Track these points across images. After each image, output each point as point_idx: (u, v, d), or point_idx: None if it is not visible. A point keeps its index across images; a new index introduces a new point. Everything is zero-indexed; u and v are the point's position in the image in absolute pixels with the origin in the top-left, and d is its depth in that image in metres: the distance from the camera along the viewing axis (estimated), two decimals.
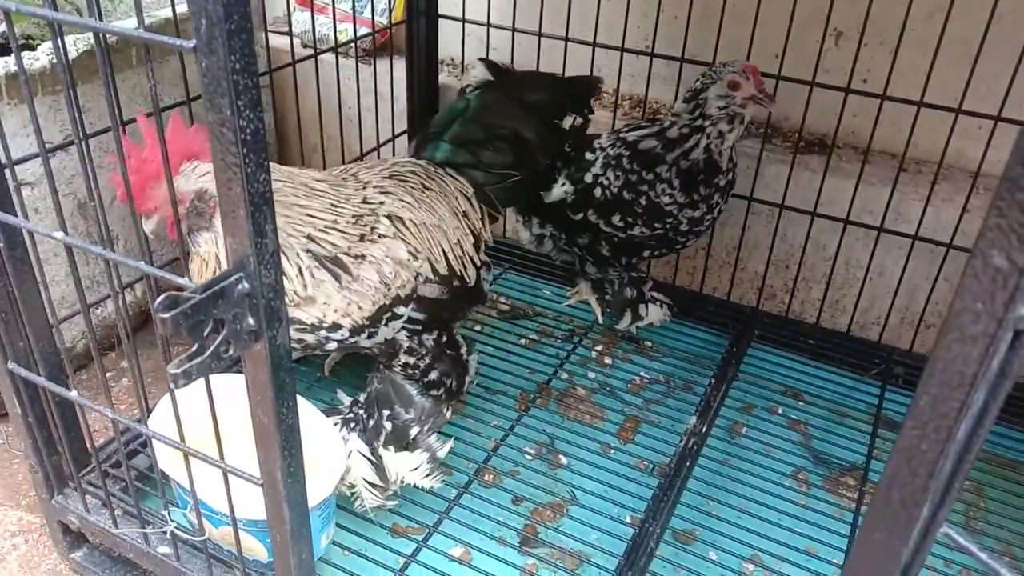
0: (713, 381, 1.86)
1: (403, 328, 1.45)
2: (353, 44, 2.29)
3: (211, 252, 1.28)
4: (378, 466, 1.49)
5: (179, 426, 1.03)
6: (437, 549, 1.47)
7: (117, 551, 1.45)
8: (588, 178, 1.90)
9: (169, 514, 1.24)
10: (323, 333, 1.34)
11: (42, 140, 0.96)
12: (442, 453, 1.55)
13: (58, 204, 0.99)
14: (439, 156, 1.64)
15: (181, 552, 1.28)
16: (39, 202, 1.75)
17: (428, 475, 1.51)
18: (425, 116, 2.21)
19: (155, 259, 1.33)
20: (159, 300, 0.72)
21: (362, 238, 1.36)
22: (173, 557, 1.28)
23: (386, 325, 1.41)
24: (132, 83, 1.92)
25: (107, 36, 1.36)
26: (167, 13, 2.01)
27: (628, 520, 1.57)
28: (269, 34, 2.37)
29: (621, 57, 1.97)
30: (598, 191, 1.89)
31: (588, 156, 1.90)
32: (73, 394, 1.18)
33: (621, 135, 1.91)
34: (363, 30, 2.29)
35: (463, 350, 1.61)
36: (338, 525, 1.46)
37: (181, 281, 0.82)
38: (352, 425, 1.53)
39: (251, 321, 0.80)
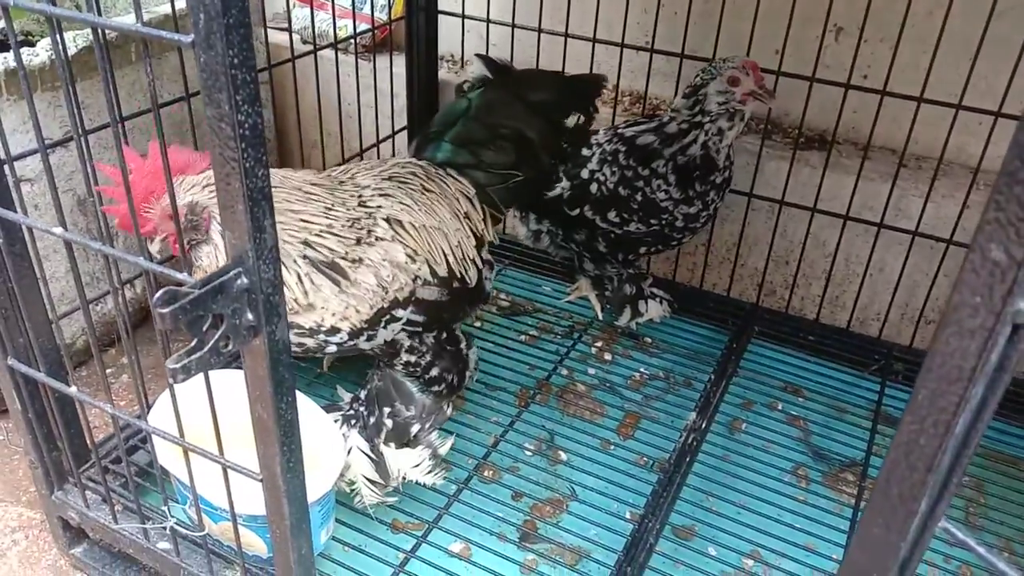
0: (713, 377, 1.86)
1: (403, 330, 1.45)
2: (353, 40, 2.28)
3: (213, 265, 1.27)
4: (378, 463, 1.49)
5: (179, 422, 1.03)
6: (437, 545, 1.47)
7: (117, 547, 1.45)
8: (584, 174, 1.90)
9: (169, 510, 1.24)
10: (322, 337, 1.34)
11: (41, 136, 0.95)
12: (443, 450, 1.55)
13: (57, 200, 0.99)
14: (440, 157, 1.62)
15: (181, 548, 1.28)
16: (39, 198, 1.75)
17: (429, 472, 1.51)
18: (425, 112, 2.21)
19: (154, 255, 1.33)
20: (158, 295, 0.72)
21: (359, 242, 1.35)
22: (173, 552, 1.28)
23: (385, 328, 1.40)
24: (131, 79, 1.92)
25: (106, 32, 1.36)
26: (166, 9, 2.00)
27: (628, 516, 1.57)
28: (268, 30, 2.37)
29: (621, 53, 1.97)
30: (594, 187, 1.89)
31: (585, 152, 1.90)
32: (73, 390, 1.18)
33: (618, 131, 1.91)
34: (363, 26, 2.29)
35: (463, 345, 1.61)
36: (338, 521, 1.46)
37: (180, 276, 0.82)
38: (352, 422, 1.53)
39: (250, 316, 0.80)
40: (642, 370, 1.98)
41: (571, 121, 1.71)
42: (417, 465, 1.51)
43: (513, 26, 2.05)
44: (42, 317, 1.21)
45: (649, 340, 2.08)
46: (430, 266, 1.44)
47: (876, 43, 1.93)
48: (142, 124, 1.91)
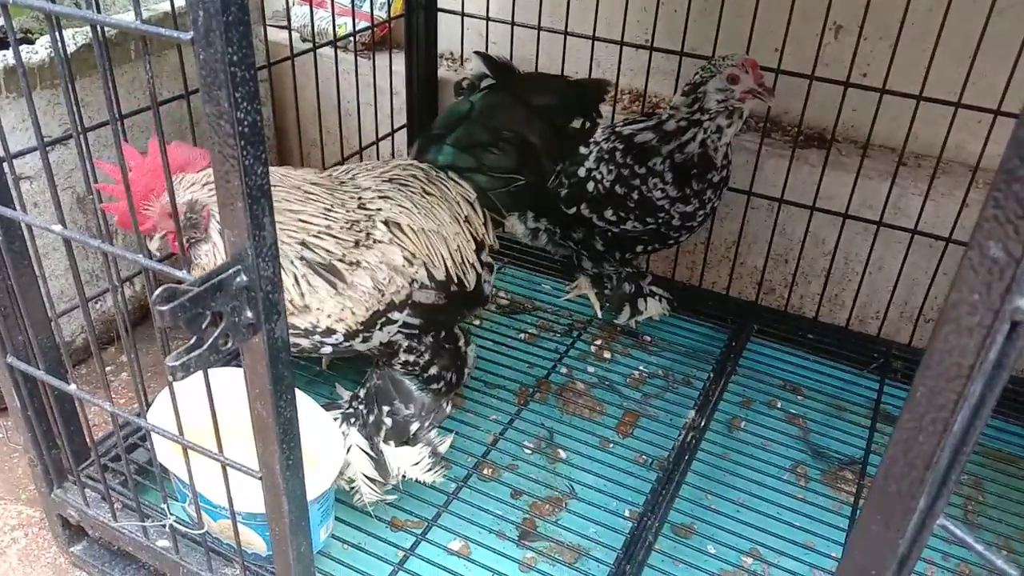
0: (712, 375, 1.86)
1: (399, 332, 1.44)
2: (352, 38, 2.28)
3: (211, 263, 1.27)
4: (377, 461, 1.49)
5: (178, 420, 1.03)
6: (436, 543, 1.47)
7: (116, 544, 1.45)
8: (581, 172, 1.90)
9: (168, 507, 1.24)
10: (317, 338, 1.34)
11: (40, 134, 0.95)
12: (443, 448, 1.55)
13: (56, 198, 0.99)
14: (442, 160, 1.61)
15: (180, 545, 1.28)
16: (38, 196, 1.75)
17: (429, 470, 1.51)
18: (424, 110, 2.21)
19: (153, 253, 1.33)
20: (157, 292, 0.72)
21: (357, 244, 1.34)
22: (172, 550, 1.28)
23: (380, 330, 1.39)
24: (131, 77, 1.92)
25: (105, 29, 1.36)
26: (165, 7, 2.00)
27: (627, 514, 1.57)
28: (268, 28, 2.36)
29: (620, 51, 1.97)
30: (591, 185, 1.89)
31: (582, 150, 1.90)
32: (72, 388, 1.18)
33: (616, 129, 1.91)
34: (362, 24, 2.29)
35: (461, 343, 1.61)
36: (337, 519, 1.46)
37: (180, 274, 0.82)
38: (351, 420, 1.53)
39: (249, 314, 0.80)
40: (641, 368, 1.98)
41: (575, 125, 1.70)
42: (417, 463, 1.51)
43: (513, 24, 2.05)
44: (41, 315, 1.21)
45: (648, 338, 2.08)
46: (428, 270, 1.43)
47: (876, 41, 1.93)
48: (141, 122, 1.91)
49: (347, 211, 1.37)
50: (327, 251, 1.31)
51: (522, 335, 2.07)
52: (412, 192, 1.49)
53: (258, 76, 0.72)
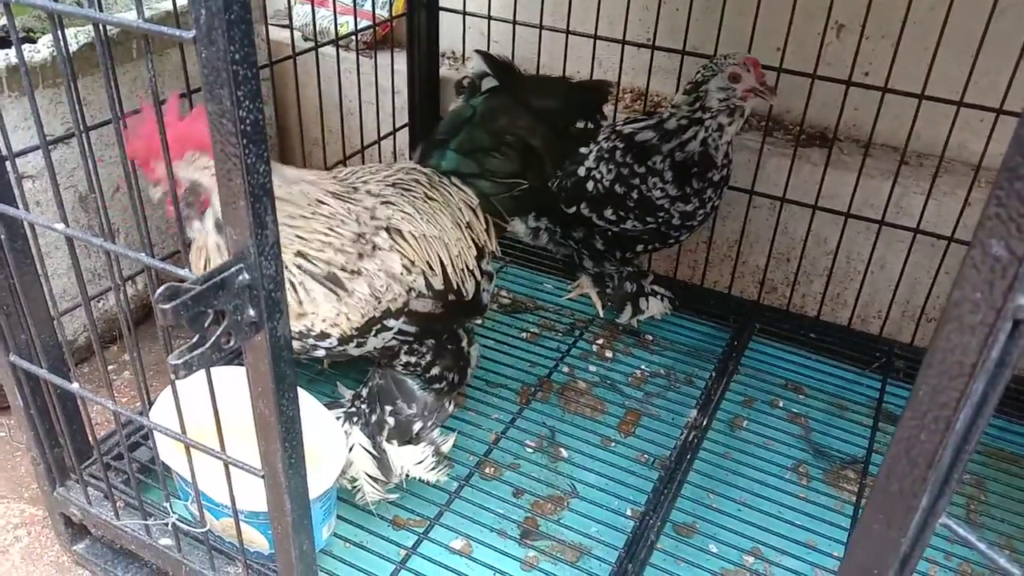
0: (714, 374, 1.86)
1: (394, 339, 1.43)
2: (354, 37, 2.28)
3: (203, 242, 1.27)
4: (380, 460, 1.49)
5: (180, 418, 1.03)
6: (438, 541, 1.47)
7: (119, 543, 1.45)
8: (581, 171, 1.90)
9: (171, 506, 1.24)
10: (310, 341, 1.33)
11: (43, 132, 0.96)
12: (446, 447, 1.55)
13: (59, 196, 0.99)
14: (445, 165, 1.59)
15: (183, 544, 1.28)
16: (40, 195, 1.76)
17: (433, 468, 1.51)
18: (426, 109, 2.21)
19: (156, 251, 1.33)
20: (159, 291, 0.72)
21: (361, 256, 1.33)
22: (175, 549, 1.28)
23: (375, 336, 1.38)
24: (133, 76, 1.92)
25: (107, 27, 1.36)
26: (167, 5, 2.00)
27: (629, 513, 1.57)
28: (270, 27, 2.36)
29: (622, 50, 1.97)
30: (590, 184, 1.89)
31: (582, 149, 1.90)
32: (75, 386, 1.18)
33: (616, 128, 1.91)
34: (364, 23, 2.29)
35: (464, 343, 1.60)
36: (339, 517, 1.46)
37: (182, 273, 0.82)
38: (354, 419, 1.53)
39: (252, 312, 0.80)
40: (643, 367, 1.98)
41: (579, 126, 1.69)
42: (420, 462, 1.51)
43: (514, 23, 2.05)
44: (44, 313, 1.21)
45: (650, 337, 2.08)
46: (426, 278, 1.42)
47: (878, 40, 1.93)
48: None
49: (360, 224, 1.35)
50: (326, 262, 1.29)
51: (524, 334, 2.07)
52: (415, 197, 1.47)
53: (260, 75, 0.72)
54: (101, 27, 0.82)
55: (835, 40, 1.99)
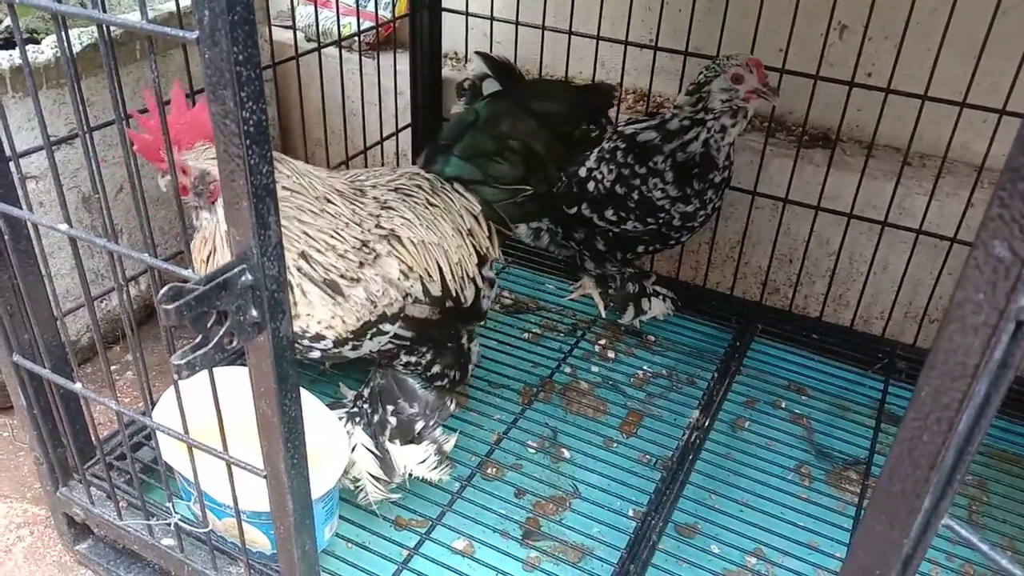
0: (716, 375, 1.86)
1: (390, 343, 1.43)
2: (356, 38, 2.28)
3: (211, 231, 1.27)
4: (382, 459, 1.49)
5: (183, 418, 1.04)
6: (440, 542, 1.47)
7: (121, 543, 1.45)
8: (582, 172, 1.90)
9: (173, 506, 1.24)
10: (305, 342, 1.33)
11: (46, 133, 0.96)
12: (448, 447, 1.55)
13: (62, 197, 0.99)
14: (448, 171, 1.58)
15: (185, 544, 1.29)
16: (44, 195, 1.76)
17: (435, 468, 1.51)
18: (428, 110, 2.21)
19: (159, 252, 1.33)
20: (163, 291, 0.72)
21: (362, 264, 1.32)
22: (177, 549, 1.28)
23: (371, 340, 1.38)
24: (136, 76, 1.92)
25: (111, 28, 1.36)
26: (170, 6, 2.01)
27: (631, 513, 1.57)
28: (273, 28, 2.36)
29: (625, 51, 1.97)
30: (591, 185, 1.89)
31: (583, 151, 1.90)
32: (78, 386, 1.18)
33: (618, 129, 1.91)
34: (366, 24, 2.29)
35: (464, 340, 1.60)
36: (341, 517, 1.47)
37: (185, 273, 0.82)
38: (356, 419, 1.53)
39: (254, 313, 0.80)
40: (645, 368, 1.98)
41: (584, 128, 1.67)
42: (422, 461, 1.51)
43: (517, 24, 2.05)
44: (47, 314, 1.22)
45: (652, 338, 2.08)
46: (423, 284, 1.41)
47: (880, 41, 1.93)
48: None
49: (364, 231, 1.35)
50: (327, 268, 1.29)
51: (526, 335, 2.07)
52: (416, 203, 1.47)
53: (263, 76, 0.72)
54: (105, 28, 0.82)
55: (838, 41, 1.99)
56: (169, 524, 1.26)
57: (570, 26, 1.99)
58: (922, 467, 0.55)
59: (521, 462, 1.69)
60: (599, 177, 1.88)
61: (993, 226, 0.46)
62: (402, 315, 1.40)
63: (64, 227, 0.96)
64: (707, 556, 1.50)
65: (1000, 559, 0.53)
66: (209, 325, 0.78)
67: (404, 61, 2.22)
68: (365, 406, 1.55)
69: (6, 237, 1.12)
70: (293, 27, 1.98)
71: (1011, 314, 0.47)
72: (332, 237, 1.30)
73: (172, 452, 1.26)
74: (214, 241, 1.27)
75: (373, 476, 1.48)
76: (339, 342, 1.34)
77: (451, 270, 1.47)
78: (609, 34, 1.97)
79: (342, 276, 1.30)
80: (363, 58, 2.20)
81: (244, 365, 0.88)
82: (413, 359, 1.51)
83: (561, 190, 1.93)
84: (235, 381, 1.13)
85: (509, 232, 1.64)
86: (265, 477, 0.96)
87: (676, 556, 1.47)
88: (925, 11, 1.76)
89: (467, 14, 2.13)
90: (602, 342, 2.06)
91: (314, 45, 1.96)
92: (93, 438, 1.36)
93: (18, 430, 1.79)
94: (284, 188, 1.26)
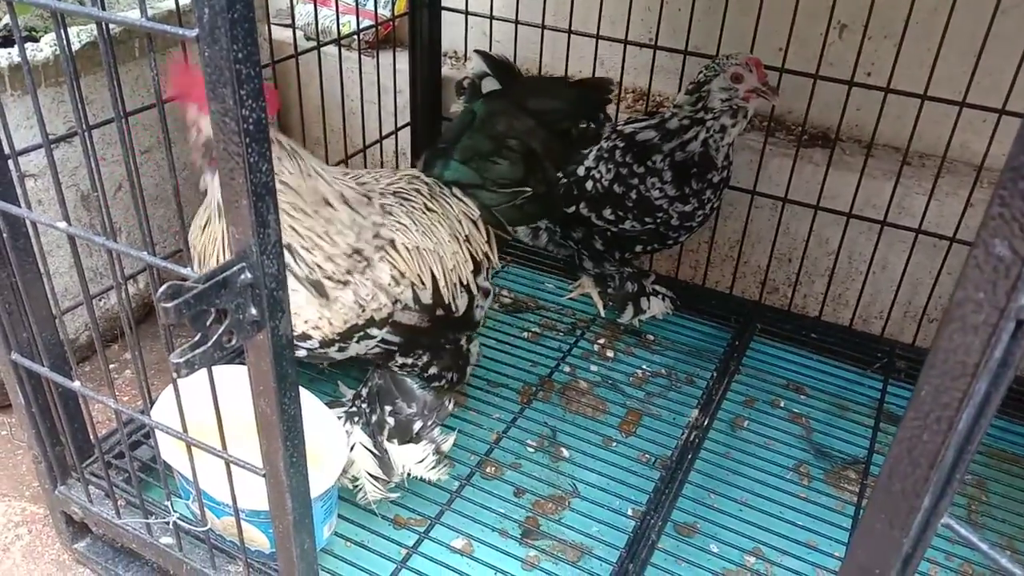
0: (715, 374, 1.86)
1: (377, 347, 1.42)
2: (356, 36, 2.28)
3: (210, 198, 1.27)
4: (381, 459, 1.49)
5: (182, 417, 1.04)
6: (439, 541, 1.47)
7: (120, 541, 1.45)
8: (580, 171, 1.90)
9: (172, 504, 1.24)
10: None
11: (45, 131, 0.96)
12: (446, 446, 1.55)
13: (61, 195, 0.99)
14: (448, 175, 1.56)
15: (183, 542, 1.28)
16: (42, 193, 1.76)
17: (434, 467, 1.51)
18: (428, 109, 2.21)
19: (158, 250, 1.33)
20: (162, 289, 0.72)
21: (349, 271, 1.31)
22: (176, 547, 1.28)
23: (358, 343, 1.37)
24: (135, 75, 1.92)
25: (110, 26, 1.36)
26: (170, 4, 2.01)
27: (630, 512, 1.57)
28: (272, 26, 2.36)
29: (624, 49, 1.97)
30: (589, 184, 1.89)
31: (582, 149, 1.90)
32: (76, 384, 1.18)
33: (617, 128, 1.90)
34: (366, 22, 2.29)
35: (463, 341, 1.60)
36: (340, 516, 1.46)
37: (184, 271, 0.82)
38: (355, 419, 1.53)
39: (254, 311, 0.80)
40: (644, 367, 1.98)
41: (583, 127, 1.66)
42: (421, 460, 1.51)
43: (516, 22, 2.05)
44: (46, 312, 1.22)
45: (651, 337, 2.08)
46: (414, 291, 1.39)
47: (880, 40, 1.93)
48: (145, 119, 1.91)
49: (359, 239, 1.33)
50: (314, 267, 1.28)
51: (525, 334, 2.07)
52: (413, 207, 1.45)
53: (262, 74, 0.72)
54: (104, 26, 0.82)
55: (837, 40, 1.99)
56: (168, 523, 1.26)
57: (569, 25, 1.99)
58: (922, 466, 0.55)
59: (520, 461, 1.69)
60: (597, 176, 1.88)
61: (993, 225, 0.46)
62: (390, 321, 1.38)
63: (63, 225, 0.96)
64: (706, 555, 1.50)
65: (1000, 558, 0.53)
66: (208, 323, 0.78)
67: (403, 60, 2.22)
68: (364, 405, 1.55)
69: (5, 235, 1.12)
70: (292, 25, 1.98)
71: (1011, 313, 0.47)
72: (320, 238, 1.29)
73: (171, 451, 1.26)
74: (210, 210, 1.27)
75: (372, 475, 1.48)
76: (325, 343, 1.34)
77: (445, 277, 1.45)
78: (609, 33, 1.97)
79: (328, 278, 1.29)
80: (362, 57, 2.20)
81: (243, 364, 0.88)
82: (409, 361, 1.50)
83: (560, 191, 1.92)
84: (234, 380, 1.13)
85: (508, 237, 1.63)
86: (264, 476, 0.96)
87: (675, 555, 1.47)
88: (925, 11, 1.76)
89: (466, 13, 2.13)
90: (601, 341, 2.06)
91: (313, 44, 1.96)
92: (92, 436, 1.36)
93: (16, 428, 1.79)
94: (282, 183, 1.26)
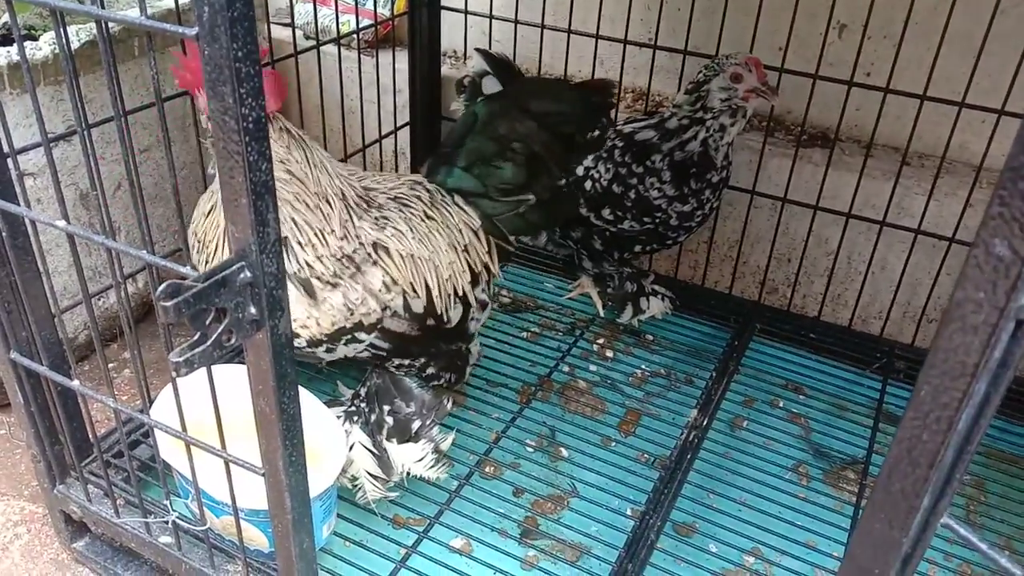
0: (714, 374, 1.86)
1: (366, 351, 1.41)
2: (355, 36, 2.28)
3: (216, 186, 1.26)
4: (380, 458, 1.49)
5: (181, 416, 1.03)
6: (438, 540, 1.47)
7: (119, 541, 1.45)
8: (579, 171, 1.90)
9: (171, 504, 1.24)
10: None
11: (44, 130, 0.96)
12: (445, 445, 1.55)
13: (60, 193, 0.99)
14: (450, 183, 1.55)
15: (182, 542, 1.28)
16: (41, 192, 1.76)
17: (433, 466, 1.51)
18: (427, 108, 2.21)
19: (157, 249, 1.33)
20: (161, 288, 0.72)
21: (337, 275, 1.30)
22: (174, 547, 1.28)
23: (346, 346, 1.36)
24: (134, 74, 1.92)
25: (110, 25, 1.36)
26: (169, 3, 2.00)
27: (629, 512, 1.57)
28: (272, 25, 2.36)
29: (624, 49, 1.97)
30: (588, 184, 1.89)
31: (587, 155, 1.90)
32: (75, 383, 1.18)
33: (616, 127, 1.90)
34: (365, 21, 2.28)
35: (461, 341, 1.60)
36: (339, 516, 1.46)
37: (183, 270, 0.82)
38: (354, 418, 1.53)
39: (253, 310, 0.80)
40: (643, 367, 1.98)
41: (588, 137, 1.64)
42: (420, 459, 1.51)
43: (516, 22, 2.05)
44: (45, 311, 1.21)
45: (650, 337, 2.08)
46: (405, 299, 1.38)
47: (879, 40, 1.93)
48: (144, 118, 1.91)
49: (350, 244, 1.32)
50: (303, 265, 1.28)
51: (524, 333, 2.07)
52: (412, 214, 1.44)
53: (262, 73, 0.72)
54: (103, 24, 0.82)
55: (837, 40, 1.99)
56: (167, 522, 1.26)
57: (569, 24, 1.99)
58: (921, 466, 0.55)
59: (519, 461, 1.69)
60: (596, 176, 1.88)
61: (993, 225, 0.46)
62: (379, 327, 1.38)
63: (62, 224, 0.96)
64: (705, 555, 1.50)
65: (999, 558, 0.53)
66: (207, 322, 0.78)
67: (403, 59, 2.22)
68: (363, 405, 1.55)
69: (4, 234, 1.12)
70: (292, 25, 1.98)
71: (1011, 313, 0.47)
72: (315, 235, 1.29)
73: (170, 450, 1.26)
74: (216, 197, 1.26)
75: (371, 474, 1.48)
76: (313, 343, 1.33)
77: (439, 287, 1.44)
78: (608, 33, 1.97)
79: (317, 278, 1.29)
80: (362, 56, 2.20)
81: (242, 363, 0.88)
82: (406, 362, 1.50)
83: (564, 198, 1.91)
84: (233, 379, 1.13)
85: (510, 247, 1.60)
86: (263, 475, 0.96)
87: (674, 555, 1.47)
88: (924, 11, 1.76)
89: (466, 12, 2.13)
90: (600, 341, 2.06)
91: (313, 43, 1.95)
92: (91, 435, 1.36)
93: (15, 427, 1.79)
94: (288, 171, 1.26)
